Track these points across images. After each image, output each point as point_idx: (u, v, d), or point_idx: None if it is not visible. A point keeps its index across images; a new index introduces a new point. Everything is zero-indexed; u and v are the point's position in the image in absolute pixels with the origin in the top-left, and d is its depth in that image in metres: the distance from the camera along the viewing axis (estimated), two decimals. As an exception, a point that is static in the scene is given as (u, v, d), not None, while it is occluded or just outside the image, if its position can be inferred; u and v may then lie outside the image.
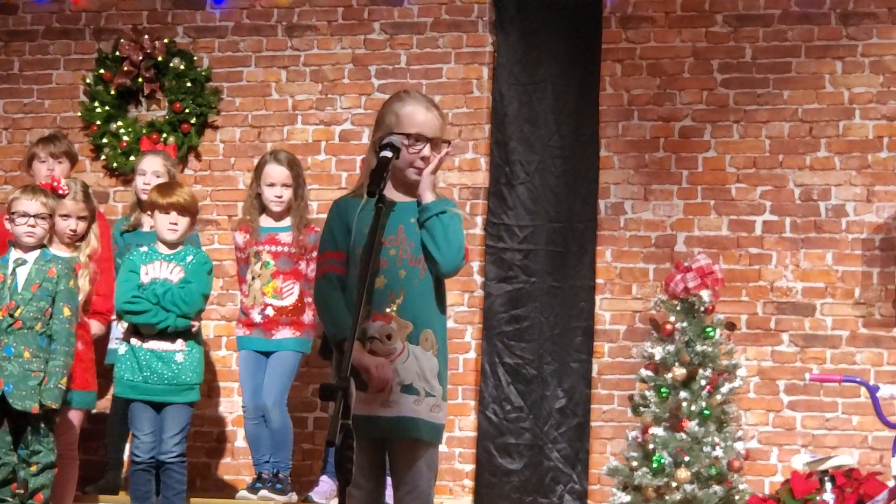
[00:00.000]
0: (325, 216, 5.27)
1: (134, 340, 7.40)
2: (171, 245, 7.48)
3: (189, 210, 7.49)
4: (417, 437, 5.01)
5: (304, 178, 7.95)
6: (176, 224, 7.44)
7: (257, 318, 7.77)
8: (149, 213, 7.60)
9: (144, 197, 8.06)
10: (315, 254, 7.59)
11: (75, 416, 7.49)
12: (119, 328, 7.89)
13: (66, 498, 7.48)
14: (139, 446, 7.42)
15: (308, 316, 7.79)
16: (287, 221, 7.85)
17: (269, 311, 7.76)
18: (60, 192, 7.45)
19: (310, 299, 7.73)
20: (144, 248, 7.58)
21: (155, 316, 7.35)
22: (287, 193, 7.82)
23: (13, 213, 7.15)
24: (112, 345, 7.98)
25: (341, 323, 4.90)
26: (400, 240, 5.04)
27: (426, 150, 5.04)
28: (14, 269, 7.12)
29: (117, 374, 7.45)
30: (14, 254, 7.18)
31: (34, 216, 7.11)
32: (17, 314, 7.04)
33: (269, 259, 7.78)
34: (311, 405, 8.79)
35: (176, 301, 7.33)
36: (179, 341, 7.40)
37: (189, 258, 7.48)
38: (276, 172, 7.80)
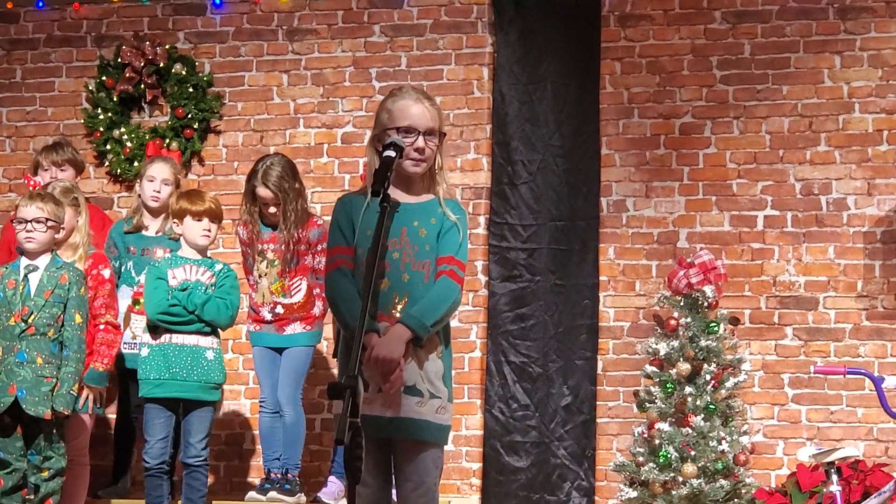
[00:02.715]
0: (329, 218, 5.30)
1: (165, 336, 7.41)
2: (200, 251, 7.50)
3: (219, 217, 7.54)
4: (422, 438, 5.02)
5: (294, 187, 7.75)
6: (209, 230, 7.48)
7: (267, 316, 7.80)
8: (175, 220, 7.54)
9: (153, 203, 8.06)
10: (320, 247, 7.62)
11: (85, 421, 7.50)
12: (128, 332, 7.90)
13: (77, 503, 7.50)
14: (149, 451, 7.43)
15: (318, 308, 7.81)
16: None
17: (279, 310, 7.79)
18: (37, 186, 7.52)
19: (318, 291, 7.74)
20: (167, 254, 7.60)
21: (193, 326, 7.38)
22: (278, 210, 7.80)
23: (13, 221, 7.22)
24: (123, 349, 7.99)
25: (357, 315, 4.87)
26: (403, 243, 5.05)
27: (419, 141, 5.06)
28: (26, 276, 7.15)
29: (142, 375, 7.43)
30: (24, 260, 7.21)
31: (30, 221, 7.14)
32: (30, 320, 7.07)
33: (275, 258, 7.80)
34: (318, 406, 8.83)
35: (217, 316, 7.37)
36: (211, 338, 7.43)
37: (218, 267, 7.51)
38: (264, 194, 7.78)
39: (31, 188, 7.75)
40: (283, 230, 7.75)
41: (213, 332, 7.45)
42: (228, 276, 7.52)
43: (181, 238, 7.56)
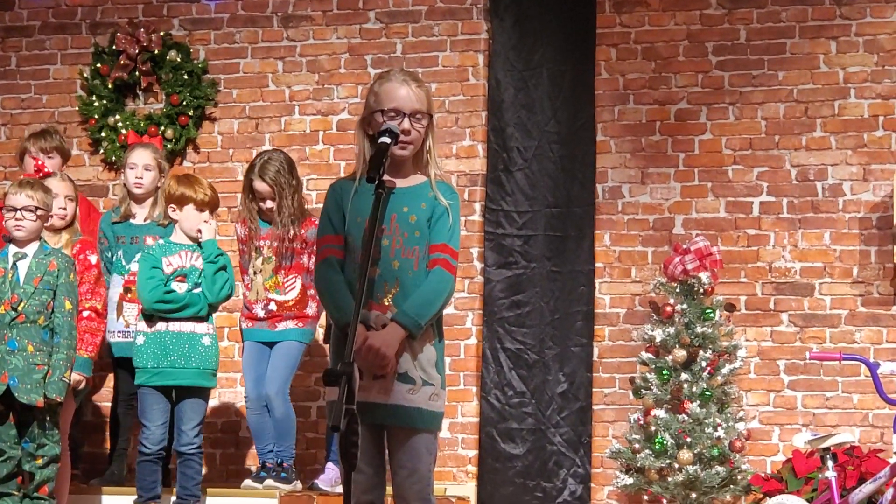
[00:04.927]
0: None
1: (160, 325, 7.40)
2: (195, 238, 7.49)
3: (217, 205, 7.56)
4: (414, 425, 5.01)
5: (290, 183, 7.76)
6: (209, 223, 7.47)
7: (260, 312, 7.79)
8: (173, 206, 7.52)
9: (137, 191, 8.06)
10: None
11: (68, 405, 7.46)
12: (121, 321, 7.90)
13: (62, 488, 7.48)
14: (148, 437, 7.41)
15: (311, 308, 7.80)
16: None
17: (272, 307, 7.78)
18: (45, 171, 7.47)
19: (312, 292, 7.75)
20: (161, 241, 7.58)
21: (189, 310, 7.37)
22: (274, 204, 7.80)
23: (2, 209, 7.18)
24: (114, 338, 7.98)
25: (345, 306, 4.90)
26: (392, 230, 5.03)
27: (405, 123, 5.05)
28: (14, 263, 7.13)
29: (138, 363, 7.43)
30: (13, 248, 7.18)
31: (20, 209, 7.11)
32: (19, 308, 7.06)
33: (271, 254, 7.80)
34: (314, 394, 8.83)
35: (214, 289, 7.37)
36: (206, 324, 7.42)
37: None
38: (261, 187, 7.78)
39: (34, 174, 7.70)
40: (278, 224, 7.75)
41: (208, 318, 7.44)
42: (223, 255, 7.50)
43: (175, 224, 7.53)
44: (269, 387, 7.75)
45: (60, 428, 7.40)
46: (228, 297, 7.54)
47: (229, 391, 9.03)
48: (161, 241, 7.58)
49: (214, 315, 8.88)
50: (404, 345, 4.96)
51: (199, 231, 7.46)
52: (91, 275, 7.44)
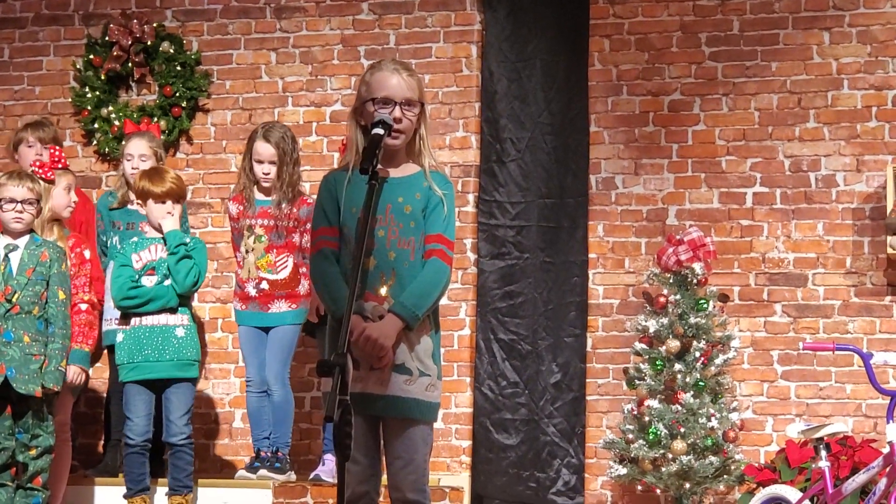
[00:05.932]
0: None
1: (133, 320, 7.40)
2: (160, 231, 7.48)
3: (182, 195, 7.50)
4: (411, 416, 5.02)
5: (292, 154, 7.82)
6: (172, 213, 7.44)
7: (252, 291, 7.80)
8: (139, 202, 7.54)
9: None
10: (309, 226, 7.60)
11: (67, 397, 7.48)
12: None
13: (60, 479, 7.49)
14: (133, 429, 7.42)
15: (303, 287, 7.81)
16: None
17: (264, 285, 7.79)
18: (48, 177, 7.46)
19: (304, 270, 7.76)
20: (135, 240, 7.58)
21: (156, 303, 7.36)
22: (275, 170, 7.81)
23: (0, 200, 7.15)
24: (109, 325, 7.98)
25: (341, 298, 4.90)
26: (388, 220, 5.04)
27: (396, 112, 5.06)
28: (6, 255, 7.12)
29: (118, 360, 7.45)
30: (3, 239, 7.17)
31: (21, 202, 7.10)
32: (14, 299, 7.05)
33: (262, 233, 7.80)
34: (308, 384, 8.83)
35: (178, 279, 7.32)
36: (179, 315, 7.41)
37: (186, 239, 7.46)
38: (263, 149, 7.79)
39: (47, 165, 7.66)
40: (276, 190, 7.75)
41: (180, 309, 7.41)
42: (187, 244, 7.44)
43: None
44: (268, 373, 7.78)
45: (62, 419, 7.42)
46: (196, 284, 7.43)
47: (223, 382, 9.03)
48: (135, 240, 7.57)
49: (208, 307, 8.96)
50: (401, 336, 4.98)
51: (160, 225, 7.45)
52: (86, 269, 7.45)
